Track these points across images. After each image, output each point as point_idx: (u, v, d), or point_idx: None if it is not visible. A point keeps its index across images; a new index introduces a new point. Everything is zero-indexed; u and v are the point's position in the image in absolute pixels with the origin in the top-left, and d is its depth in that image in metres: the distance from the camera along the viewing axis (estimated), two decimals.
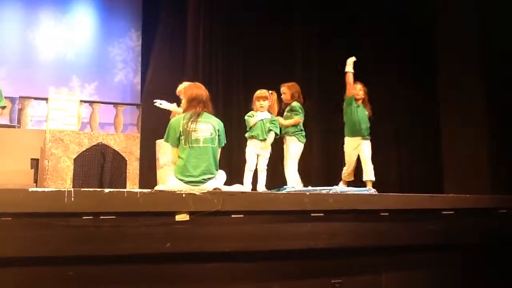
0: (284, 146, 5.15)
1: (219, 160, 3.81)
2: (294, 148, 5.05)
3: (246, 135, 4.95)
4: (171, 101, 4.90)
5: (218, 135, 3.74)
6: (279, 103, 5.09)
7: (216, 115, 3.92)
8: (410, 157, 7.18)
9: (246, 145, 4.93)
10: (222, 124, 3.84)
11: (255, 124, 4.86)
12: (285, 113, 5.14)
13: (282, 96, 5.17)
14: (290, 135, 5.07)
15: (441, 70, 6.64)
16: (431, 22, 6.84)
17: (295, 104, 5.12)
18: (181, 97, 4.42)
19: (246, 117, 4.96)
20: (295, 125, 5.05)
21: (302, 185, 5.05)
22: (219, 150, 3.80)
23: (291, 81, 5.33)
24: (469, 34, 6.10)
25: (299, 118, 5.07)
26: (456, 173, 6.18)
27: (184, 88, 4.20)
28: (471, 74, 6.05)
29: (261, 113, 4.88)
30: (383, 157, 5.59)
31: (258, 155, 4.89)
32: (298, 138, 5.07)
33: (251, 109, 5.00)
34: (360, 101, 5.38)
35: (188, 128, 3.62)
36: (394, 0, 7.30)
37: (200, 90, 3.87)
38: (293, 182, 4.96)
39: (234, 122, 5.09)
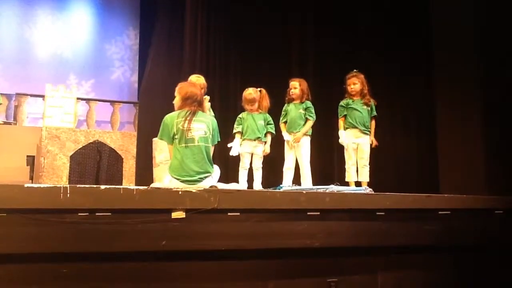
0: (295, 146, 5.01)
1: (213, 157, 3.82)
2: (308, 147, 5.05)
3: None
4: (167, 99, 4.87)
5: (212, 134, 3.75)
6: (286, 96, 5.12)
7: (214, 113, 3.92)
8: (406, 157, 7.17)
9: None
10: (215, 122, 3.87)
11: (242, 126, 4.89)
12: (299, 111, 5.04)
13: (291, 90, 5.10)
14: (306, 135, 5.03)
15: (438, 70, 6.64)
16: (430, 22, 6.85)
17: (311, 104, 5.10)
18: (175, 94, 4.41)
19: (234, 137, 4.92)
20: None
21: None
22: (212, 148, 3.82)
23: (288, 79, 5.26)
24: (468, 34, 6.10)
25: (313, 120, 5.07)
26: (452, 173, 6.18)
27: (179, 85, 4.17)
28: (468, 74, 6.05)
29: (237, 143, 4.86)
30: (379, 156, 5.53)
31: (252, 154, 4.90)
32: (309, 136, 5.08)
33: (242, 108, 5.02)
34: (355, 96, 5.14)
35: (183, 128, 3.61)
36: (393, 1, 7.31)
37: (195, 88, 3.91)
38: (310, 181, 4.96)
39: (231, 121, 5.08)
